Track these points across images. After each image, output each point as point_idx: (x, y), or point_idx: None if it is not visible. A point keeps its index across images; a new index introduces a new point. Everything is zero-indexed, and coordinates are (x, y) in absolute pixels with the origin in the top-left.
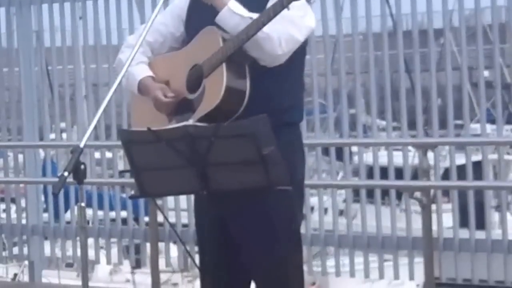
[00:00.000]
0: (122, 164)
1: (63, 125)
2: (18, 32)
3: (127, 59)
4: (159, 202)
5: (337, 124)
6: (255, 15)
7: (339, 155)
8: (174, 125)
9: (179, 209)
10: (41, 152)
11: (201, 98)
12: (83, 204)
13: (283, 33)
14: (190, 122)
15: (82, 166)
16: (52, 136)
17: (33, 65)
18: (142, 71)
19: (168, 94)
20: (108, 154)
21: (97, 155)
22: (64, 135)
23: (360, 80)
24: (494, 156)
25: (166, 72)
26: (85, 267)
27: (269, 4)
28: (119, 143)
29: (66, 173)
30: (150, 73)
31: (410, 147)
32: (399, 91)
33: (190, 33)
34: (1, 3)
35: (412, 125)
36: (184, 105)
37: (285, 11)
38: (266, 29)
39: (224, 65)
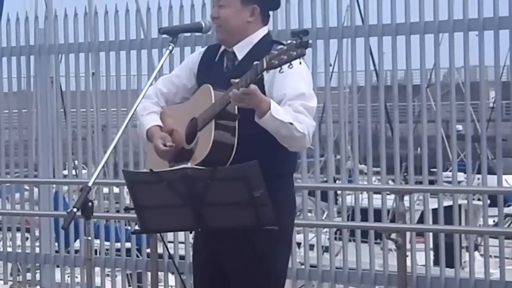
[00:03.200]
0: (128, 199)
1: (76, 162)
2: (37, 77)
3: (142, 109)
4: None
5: (323, 168)
6: (292, 119)
7: (324, 196)
8: (174, 167)
9: (177, 241)
10: (54, 187)
11: (194, 149)
12: (89, 238)
13: (310, 127)
14: (189, 165)
15: (90, 204)
16: (65, 172)
17: (49, 107)
18: (151, 121)
19: (168, 143)
20: (116, 190)
21: (105, 190)
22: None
23: (345, 129)
24: (465, 202)
25: (172, 122)
26: None
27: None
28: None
29: (75, 210)
30: (158, 123)
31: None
32: (380, 140)
33: (201, 85)
34: (23, 52)
35: (391, 170)
36: (182, 154)
37: (308, 102)
38: (300, 126)
39: (213, 121)
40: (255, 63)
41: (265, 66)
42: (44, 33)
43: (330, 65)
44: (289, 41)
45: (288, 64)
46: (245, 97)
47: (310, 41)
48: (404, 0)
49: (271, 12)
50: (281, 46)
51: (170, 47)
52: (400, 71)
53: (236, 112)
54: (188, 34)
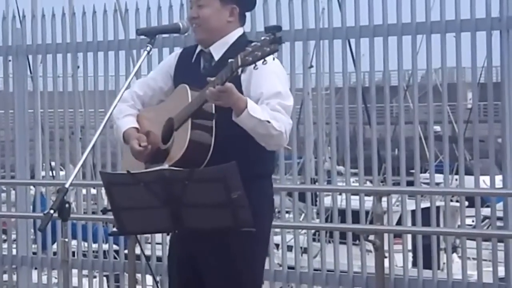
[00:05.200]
0: (106, 200)
1: (53, 163)
2: (14, 77)
3: (118, 112)
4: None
5: (302, 169)
6: (269, 118)
7: (302, 197)
8: (152, 168)
9: (154, 242)
10: (32, 189)
11: (170, 149)
12: (66, 240)
13: (287, 125)
14: (166, 166)
15: (67, 205)
16: (43, 173)
17: (26, 107)
18: (127, 123)
19: (142, 143)
20: (94, 191)
21: (83, 191)
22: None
23: (323, 130)
24: (442, 203)
25: (148, 124)
26: None
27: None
28: None
29: (51, 211)
30: (134, 125)
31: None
32: (358, 141)
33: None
34: (0, 52)
35: (369, 171)
36: (158, 154)
37: (285, 101)
38: (277, 125)
39: (189, 120)
40: (230, 60)
41: (239, 63)
42: (21, 33)
43: (312, 66)
44: (262, 38)
45: (263, 60)
46: (222, 95)
47: (283, 37)
48: (382, 2)
49: (249, 14)
50: (255, 43)
51: (148, 48)
52: (378, 73)
53: (213, 111)
54: (166, 35)
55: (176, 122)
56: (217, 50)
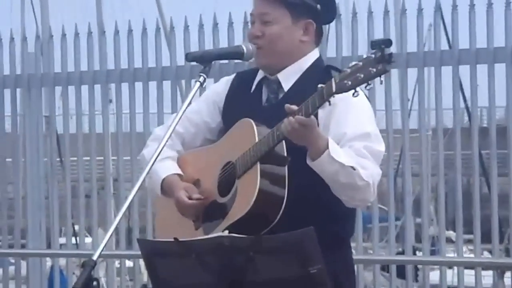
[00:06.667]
0: (146, 275)
1: (76, 227)
2: (26, 116)
3: (152, 154)
4: None
5: (400, 234)
6: (355, 163)
7: (401, 271)
8: (207, 235)
9: None
10: (48, 261)
11: (232, 202)
12: None
13: (376, 175)
14: (226, 232)
15: (95, 283)
16: (62, 241)
17: (41, 155)
18: (167, 169)
19: (194, 195)
20: (129, 263)
21: (116, 263)
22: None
23: (428, 184)
24: None
25: (197, 170)
26: None
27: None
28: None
29: None
30: (177, 171)
31: None
32: (473, 198)
33: (229, 124)
34: (7, 84)
35: (488, 237)
36: (214, 209)
37: (374, 144)
38: (364, 173)
39: (258, 164)
40: (319, 86)
41: (334, 89)
42: (35, 59)
43: (408, 100)
44: (365, 56)
45: (354, 91)
46: (300, 129)
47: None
48: (505, 19)
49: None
50: (355, 63)
51: (201, 79)
52: (499, 109)
53: (286, 154)
54: (225, 61)
55: (240, 168)
56: (287, 78)
